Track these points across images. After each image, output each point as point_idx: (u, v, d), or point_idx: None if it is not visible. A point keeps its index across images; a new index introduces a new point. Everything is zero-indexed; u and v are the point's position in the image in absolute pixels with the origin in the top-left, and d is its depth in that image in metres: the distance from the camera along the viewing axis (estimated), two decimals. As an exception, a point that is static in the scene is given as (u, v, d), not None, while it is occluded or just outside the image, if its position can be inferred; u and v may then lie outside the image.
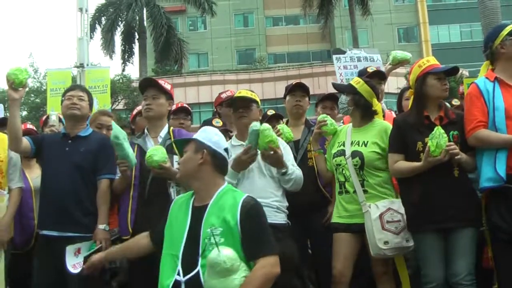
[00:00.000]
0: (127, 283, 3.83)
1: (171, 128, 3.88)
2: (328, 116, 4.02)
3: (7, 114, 4.30)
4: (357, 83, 3.82)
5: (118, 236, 3.78)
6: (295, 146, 4.22)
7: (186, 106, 5.11)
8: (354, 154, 3.68)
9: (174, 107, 4.63)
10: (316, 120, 4.08)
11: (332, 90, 4.56)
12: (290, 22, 44.22)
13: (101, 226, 3.65)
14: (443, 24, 42.43)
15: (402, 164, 3.46)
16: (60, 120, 4.97)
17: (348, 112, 3.88)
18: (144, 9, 26.25)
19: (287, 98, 4.48)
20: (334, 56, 8.59)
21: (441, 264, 3.33)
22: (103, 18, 26.35)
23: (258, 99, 3.81)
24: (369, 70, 4.77)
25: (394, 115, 4.37)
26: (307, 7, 30.17)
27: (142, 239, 3.07)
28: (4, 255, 3.74)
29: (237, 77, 35.16)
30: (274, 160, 3.45)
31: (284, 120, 4.80)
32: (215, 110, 5.45)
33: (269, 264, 2.63)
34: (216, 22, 38.52)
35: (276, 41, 43.45)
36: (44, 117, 5.52)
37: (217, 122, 4.76)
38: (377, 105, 3.87)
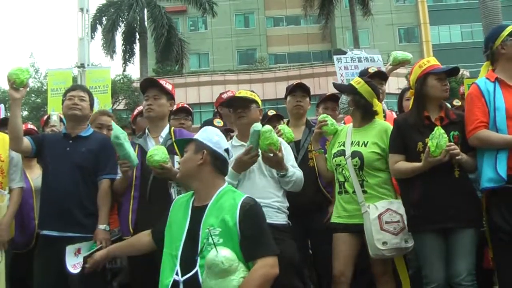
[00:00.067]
0: (128, 283, 3.83)
1: (172, 128, 3.88)
2: (329, 116, 4.02)
3: (8, 114, 4.30)
4: (358, 83, 3.82)
5: (118, 237, 3.78)
6: (296, 146, 4.22)
7: (187, 106, 5.10)
8: (354, 154, 3.68)
9: (175, 107, 4.63)
10: (317, 120, 4.08)
11: (333, 90, 4.56)
12: (291, 22, 44.24)
13: (101, 227, 3.65)
14: (443, 25, 42.43)
15: (403, 165, 3.46)
16: (61, 120, 4.97)
17: (349, 112, 3.88)
18: (145, 9, 26.21)
19: (288, 98, 4.49)
20: (335, 57, 8.60)
21: (441, 264, 3.33)
22: (104, 18, 26.31)
23: (258, 99, 3.80)
24: (370, 70, 4.77)
25: (395, 116, 4.37)
26: (308, 8, 30.13)
27: (144, 237, 3.08)
28: (5, 255, 3.74)
29: (238, 78, 35.19)
30: (274, 162, 3.44)
31: (285, 120, 4.80)
32: (216, 110, 5.45)
33: (267, 265, 2.63)
34: (217, 22, 38.50)
35: (277, 42, 43.47)
36: (45, 117, 5.52)
37: (218, 122, 4.76)
38: (378, 106, 3.87)
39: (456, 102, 5.42)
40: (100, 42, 27.07)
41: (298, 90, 4.45)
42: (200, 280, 2.60)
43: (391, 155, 3.55)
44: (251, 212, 2.71)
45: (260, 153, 3.42)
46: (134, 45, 27.39)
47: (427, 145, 3.27)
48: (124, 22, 26.40)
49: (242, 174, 3.50)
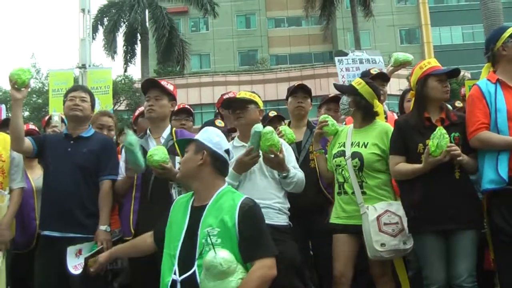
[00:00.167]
0: (128, 284, 3.83)
1: (174, 129, 3.88)
2: (329, 117, 4.02)
3: (9, 114, 4.30)
4: (358, 84, 3.82)
5: (119, 237, 3.78)
6: (297, 147, 4.22)
7: (188, 107, 5.10)
8: (354, 155, 3.68)
9: (176, 108, 4.63)
10: (317, 121, 4.08)
11: (334, 91, 4.56)
12: (292, 23, 44.23)
13: (102, 227, 3.65)
14: (445, 26, 42.42)
15: (403, 166, 3.46)
16: (62, 120, 4.98)
17: (349, 113, 3.88)
18: (147, 10, 26.20)
19: (289, 99, 4.49)
20: (336, 58, 8.60)
21: (442, 266, 3.32)
22: (105, 19, 26.30)
23: (258, 100, 3.79)
24: (372, 71, 4.76)
25: (396, 117, 4.38)
26: (309, 9, 30.12)
27: (147, 239, 3.08)
28: (6, 255, 3.74)
29: (239, 78, 35.20)
30: (275, 163, 3.44)
31: (286, 121, 4.80)
32: (217, 111, 5.45)
33: (265, 266, 2.63)
34: (218, 23, 38.53)
35: (278, 43, 43.47)
36: (46, 118, 5.52)
37: (219, 122, 4.77)
38: (379, 107, 3.87)
39: (458, 104, 5.42)
40: (102, 42, 27.08)
41: (300, 91, 4.45)
42: (198, 280, 2.60)
43: (392, 157, 3.55)
44: (250, 213, 2.72)
45: (261, 154, 3.42)
46: (136, 45, 27.39)
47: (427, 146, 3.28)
48: (126, 23, 26.39)
49: (243, 175, 3.50)
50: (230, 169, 3.26)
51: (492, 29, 8.91)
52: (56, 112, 5.51)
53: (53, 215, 3.68)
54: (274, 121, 5.05)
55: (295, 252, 3.47)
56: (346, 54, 8.63)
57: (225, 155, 2.92)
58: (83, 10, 12.42)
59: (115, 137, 5.00)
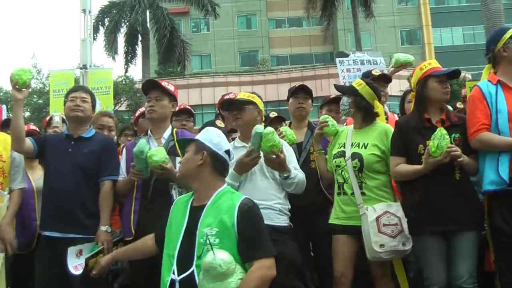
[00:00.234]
0: (129, 284, 3.83)
1: (175, 129, 3.88)
2: (330, 117, 4.02)
3: (10, 115, 4.30)
4: (359, 85, 3.82)
5: (120, 238, 3.78)
6: (298, 148, 4.22)
7: (189, 107, 5.10)
8: (354, 156, 3.68)
9: (177, 108, 4.63)
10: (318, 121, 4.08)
11: (335, 92, 4.56)
12: (293, 24, 44.22)
13: (103, 228, 3.65)
14: (446, 27, 42.39)
15: (404, 167, 3.46)
16: (63, 121, 4.97)
17: (349, 114, 3.88)
18: (147, 10, 26.21)
19: (290, 100, 4.49)
20: (337, 59, 8.57)
21: (443, 267, 3.33)
22: (106, 20, 26.31)
23: (256, 100, 3.77)
24: (374, 73, 4.75)
25: (397, 118, 4.37)
26: (310, 9, 30.12)
27: (148, 241, 3.08)
28: (6, 256, 3.73)
29: (240, 79, 35.21)
30: (277, 164, 3.44)
31: (287, 122, 4.80)
32: (217, 112, 5.45)
33: (264, 267, 2.63)
34: (219, 24, 38.54)
35: (279, 43, 43.47)
36: (47, 118, 5.52)
37: (220, 123, 4.77)
38: (379, 107, 3.87)
39: (459, 105, 5.41)
40: (102, 43, 27.09)
41: (300, 92, 4.45)
42: (196, 280, 2.60)
43: (392, 158, 3.55)
44: (249, 214, 2.72)
45: (262, 155, 3.42)
46: (136, 46, 27.41)
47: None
48: (127, 24, 26.41)
49: (244, 175, 3.50)
50: (231, 169, 3.26)
51: (493, 30, 8.90)
52: (57, 113, 5.51)
53: (53, 216, 3.68)
54: (275, 122, 5.05)
55: (296, 253, 3.47)
56: (347, 55, 8.61)
57: (225, 156, 2.92)
58: (84, 11, 12.41)
59: (115, 138, 5.00)
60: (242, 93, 3.89)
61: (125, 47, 27.14)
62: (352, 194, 3.65)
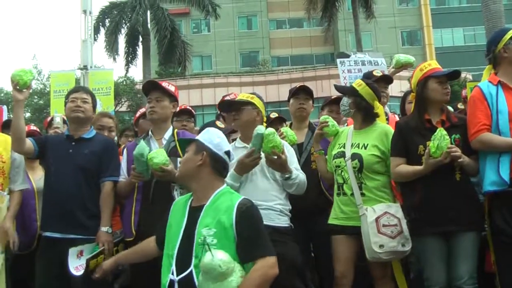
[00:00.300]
0: (129, 285, 3.83)
1: (175, 130, 3.88)
2: (330, 117, 4.02)
3: (11, 115, 4.31)
4: (359, 85, 3.82)
5: (121, 238, 3.78)
6: (299, 149, 4.22)
7: (189, 108, 5.11)
8: (354, 156, 3.68)
9: (177, 109, 4.63)
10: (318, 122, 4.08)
11: (335, 93, 4.56)
12: (294, 25, 44.21)
13: (103, 229, 3.65)
14: (446, 28, 42.38)
15: (404, 168, 3.46)
16: (64, 121, 4.97)
17: (350, 114, 3.88)
18: (148, 11, 26.22)
19: (291, 101, 4.49)
20: (338, 60, 8.58)
21: (443, 267, 3.33)
22: (107, 20, 26.32)
23: (256, 101, 3.76)
24: (375, 73, 4.74)
25: (398, 119, 4.37)
26: (311, 10, 30.12)
27: (151, 243, 3.08)
28: (6, 255, 3.74)
29: (241, 80, 35.21)
30: (278, 165, 3.44)
31: (288, 123, 4.80)
32: (218, 112, 5.45)
33: (266, 266, 2.63)
34: (219, 24, 38.54)
35: (280, 44, 43.47)
36: (48, 119, 5.53)
37: (220, 123, 4.77)
38: (379, 108, 3.87)
39: (460, 106, 5.41)
40: (103, 44, 27.17)
41: (301, 92, 4.45)
42: (195, 280, 2.60)
43: (392, 158, 3.55)
44: (247, 214, 2.71)
45: (263, 155, 3.42)
46: (137, 47, 27.42)
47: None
48: (127, 24, 26.42)
49: (244, 176, 3.50)
50: (231, 170, 3.27)
51: (493, 31, 8.90)
52: (58, 114, 5.51)
53: (54, 216, 3.68)
54: (276, 123, 5.05)
55: (297, 254, 3.47)
56: (348, 56, 8.62)
57: (225, 157, 2.92)
58: (84, 12, 12.41)
59: (116, 138, 5.00)
60: (243, 94, 3.90)
61: (126, 48, 27.16)
62: (352, 194, 3.65)
